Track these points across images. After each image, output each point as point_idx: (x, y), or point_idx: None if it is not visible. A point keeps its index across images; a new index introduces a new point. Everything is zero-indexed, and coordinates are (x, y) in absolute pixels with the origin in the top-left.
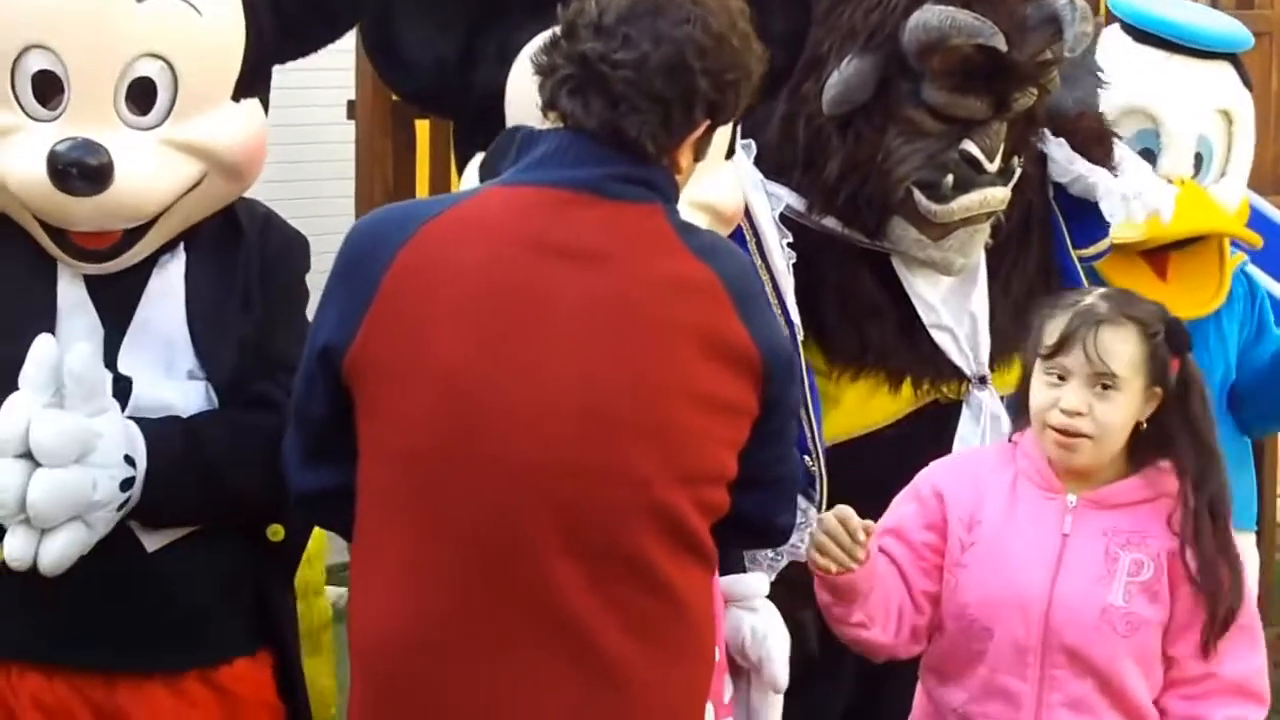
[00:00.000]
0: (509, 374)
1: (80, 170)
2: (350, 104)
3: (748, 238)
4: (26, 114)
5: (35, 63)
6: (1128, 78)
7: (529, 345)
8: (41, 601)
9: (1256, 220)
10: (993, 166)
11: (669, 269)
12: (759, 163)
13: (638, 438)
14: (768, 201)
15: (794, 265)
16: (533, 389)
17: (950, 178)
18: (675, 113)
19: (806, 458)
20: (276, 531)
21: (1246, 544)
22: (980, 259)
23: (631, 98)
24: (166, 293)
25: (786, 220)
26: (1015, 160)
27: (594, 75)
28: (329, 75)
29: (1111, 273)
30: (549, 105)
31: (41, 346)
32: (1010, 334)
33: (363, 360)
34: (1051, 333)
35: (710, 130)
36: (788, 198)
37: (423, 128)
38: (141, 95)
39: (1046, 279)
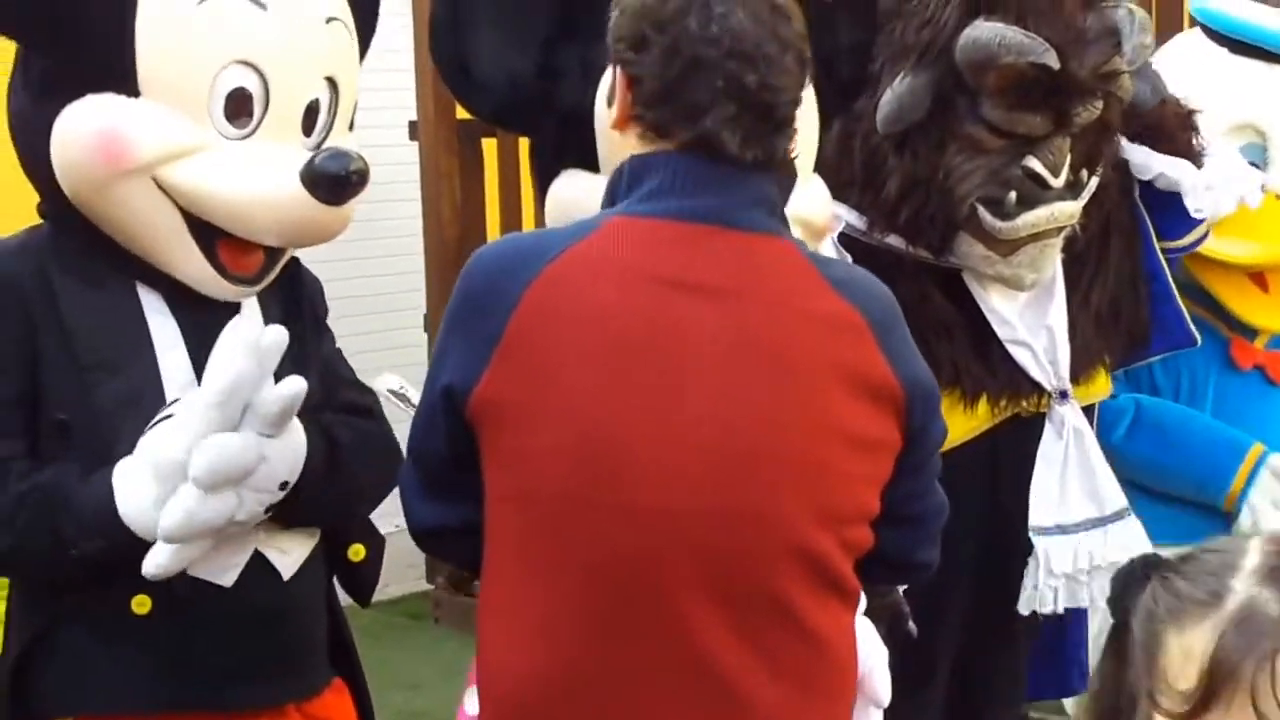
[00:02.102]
0: (645, 416)
1: (357, 176)
2: (411, 124)
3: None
4: (218, 131)
5: (233, 80)
6: (1229, 91)
7: (666, 386)
8: (171, 645)
9: None
10: (1059, 181)
11: (809, 305)
12: None
13: (781, 479)
14: None
15: None
16: (671, 431)
17: (1014, 194)
18: (778, 116)
19: None
20: (358, 551)
21: None
22: (1057, 272)
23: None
24: (244, 321)
25: (849, 240)
26: (1085, 173)
27: (702, 85)
28: (389, 95)
29: (1211, 281)
30: (643, 122)
31: (224, 373)
32: (1093, 346)
33: (489, 403)
34: (1184, 662)
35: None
36: (848, 216)
37: (489, 145)
38: (310, 116)
39: (1133, 287)
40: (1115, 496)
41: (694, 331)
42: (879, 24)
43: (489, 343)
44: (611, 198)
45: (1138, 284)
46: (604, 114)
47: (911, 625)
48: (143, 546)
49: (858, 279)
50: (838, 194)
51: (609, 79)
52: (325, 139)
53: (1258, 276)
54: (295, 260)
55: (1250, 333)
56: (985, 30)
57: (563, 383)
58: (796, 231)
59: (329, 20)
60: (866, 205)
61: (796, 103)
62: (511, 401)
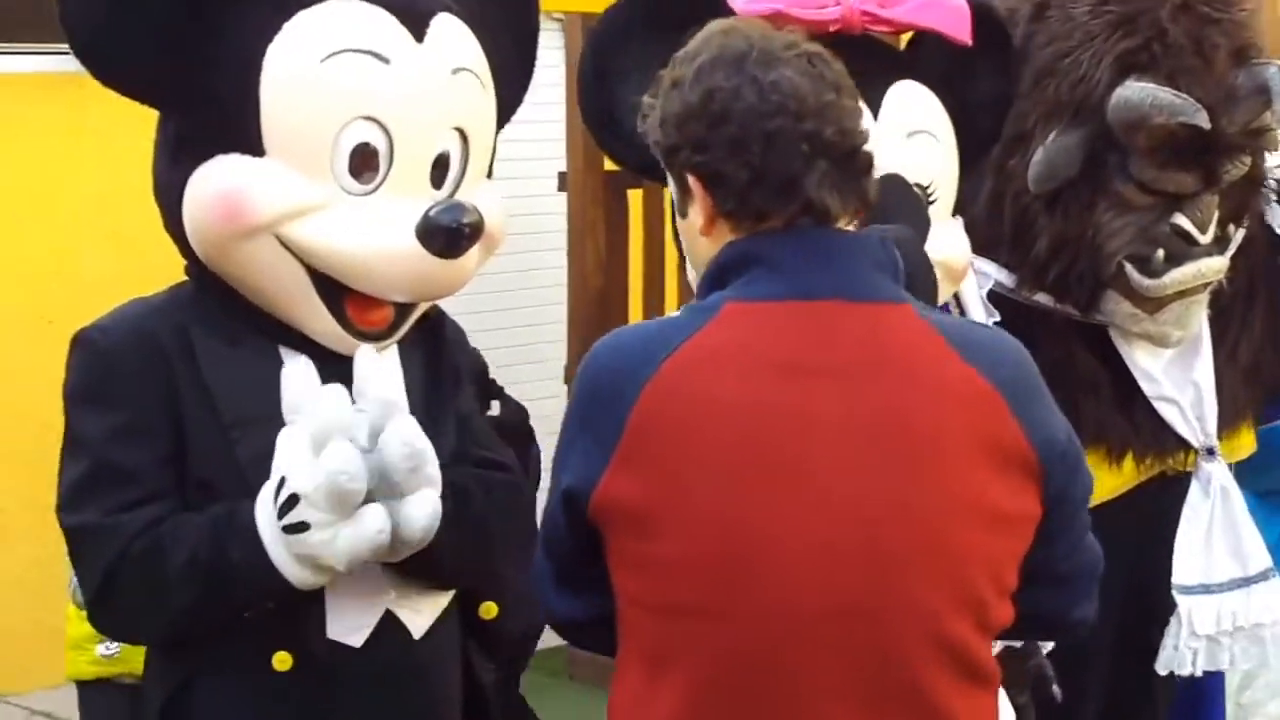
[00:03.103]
0: (773, 516)
1: (470, 229)
2: (561, 175)
3: (954, 314)
4: (342, 188)
5: (356, 136)
6: None
7: (795, 481)
8: (308, 702)
9: None
10: (1206, 238)
11: (936, 376)
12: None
13: (921, 569)
14: (975, 279)
15: None
16: (802, 529)
17: (1161, 252)
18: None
19: None
20: (489, 609)
21: None
22: (1203, 327)
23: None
24: (383, 374)
25: (996, 297)
26: (1232, 228)
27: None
28: (540, 146)
29: None
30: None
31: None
32: (1239, 402)
33: (610, 506)
34: None
35: None
36: (996, 274)
37: (635, 197)
38: (439, 169)
39: (1276, 342)
40: (1260, 555)
41: (819, 418)
42: (1030, 80)
43: (609, 443)
44: (708, 290)
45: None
46: (684, 226)
47: (1056, 689)
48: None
49: (983, 340)
50: (987, 251)
51: (672, 191)
52: (456, 191)
53: None
54: (439, 312)
55: None
56: (1137, 90)
57: (686, 486)
58: (938, 274)
59: (456, 71)
60: (1016, 263)
61: (867, 137)
62: (634, 505)
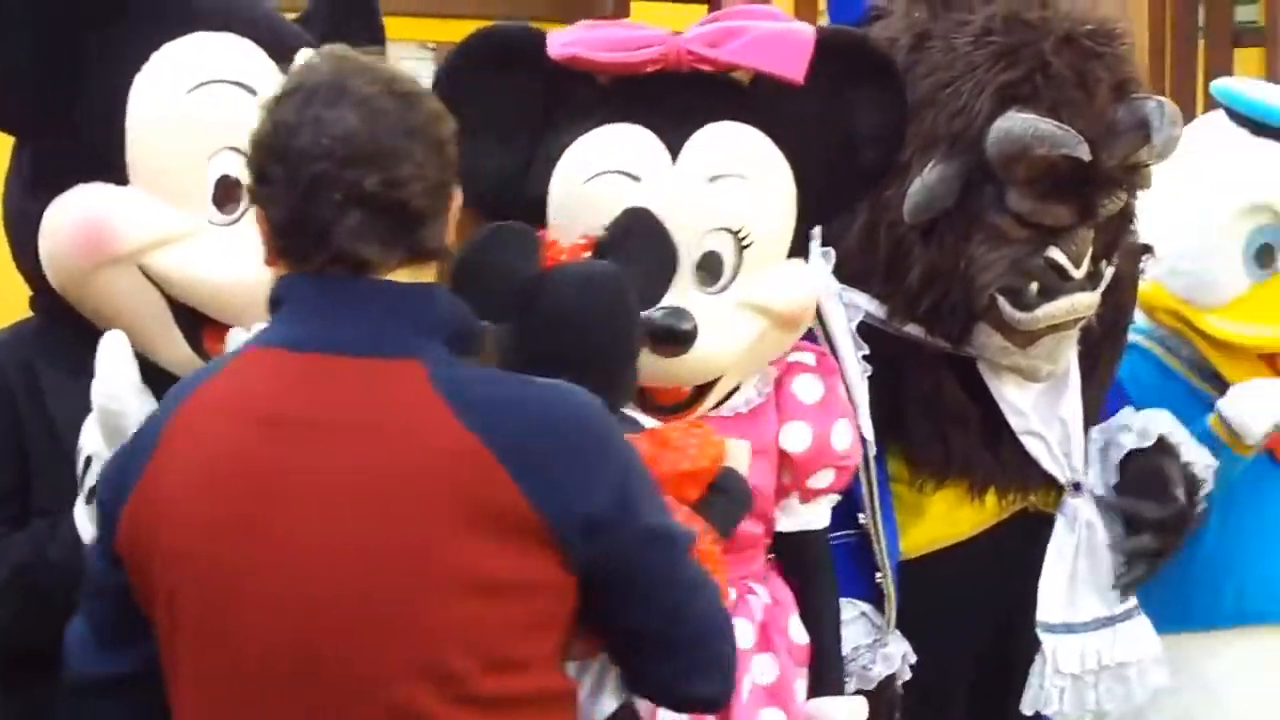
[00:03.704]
0: (243, 573)
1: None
2: None
3: (822, 348)
4: (206, 218)
5: (221, 167)
6: (1249, 172)
7: (263, 538)
8: None
9: None
10: (1080, 272)
11: (423, 438)
12: (838, 270)
13: (378, 636)
14: (844, 312)
15: (877, 374)
16: (267, 588)
17: (1035, 285)
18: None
19: (877, 574)
20: None
21: None
22: (1071, 363)
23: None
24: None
25: (867, 329)
26: (1104, 264)
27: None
28: None
29: (1220, 363)
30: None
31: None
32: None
33: (123, 541)
34: None
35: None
36: (868, 305)
37: None
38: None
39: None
40: (1124, 598)
41: (293, 475)
42: (909, 113)
43: (132, 478)
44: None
45: None
46: (553, 200)
47: (897, 715)
48: None
49: (501, 401)
50: (859, 283)
51: None
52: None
53: (1269, 358)
54: None
55: None
56: (1019, 121)
57: (166, 536)
58: (759, 320)
59: None
60: (888, 294)
61: (438, 189)
62: (135, 542)
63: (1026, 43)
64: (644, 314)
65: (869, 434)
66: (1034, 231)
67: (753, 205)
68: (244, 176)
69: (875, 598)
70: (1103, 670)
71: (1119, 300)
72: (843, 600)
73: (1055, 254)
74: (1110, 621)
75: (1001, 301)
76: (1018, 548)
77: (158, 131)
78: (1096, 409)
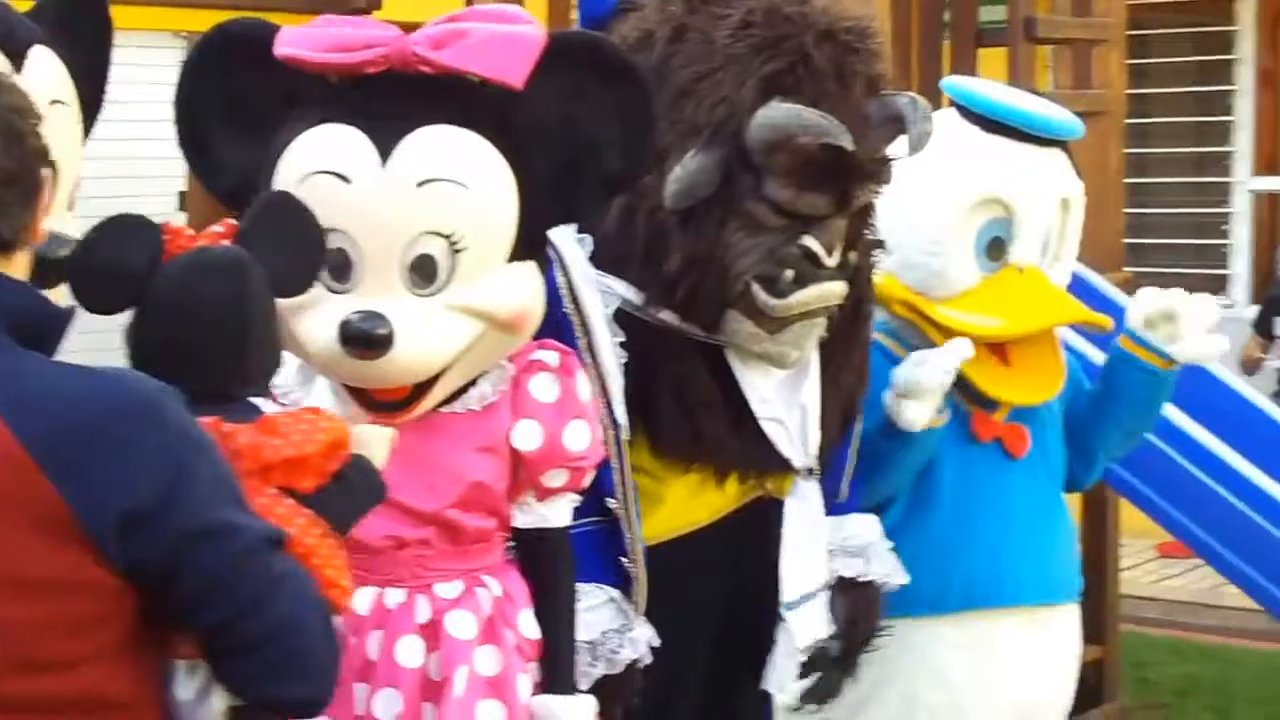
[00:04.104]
0: None
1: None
2: (181, 194)
3: (578, 334)
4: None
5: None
6: (979, 166)
7: None
8: None
9: (1077, 286)
10: (832, 261)
11: None
12: (595, 256)
13: None
14: (600, 299)
15: (630, 361)
16: None
17: (790, 273)
18: None
19: (624, 559)
20: None
21: (1069, 617)
22: (812, 352)
23: None
24: None
25: (624, 315)
26: (852, 254)
27: None
28: (161, 165)
29: None
30: None
31: None
32: (831, 425)
33: None
34: None
35: None
36: (624, 291)
37: None
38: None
39: (864, 373)
40: (825, 571)
41: None
42: (668, 100)
43: None
44: None
45: (868, 371)
46: None
47: (635, 698)
48: None
49: (46, 395)
50: (616, 269)
51: None
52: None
53: (998, 349)
54: None
55: (991, 405)
56: (783, 111)
57: None
58: (474, 323)
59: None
60: (645, 281)
61: (12, 180)
62: None
63: (787, 36)
64: (342, 319)
65: (623, 419)
66: (790, 220)
67: (466, 210)
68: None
69: (623, 583)
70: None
71: (857, 292)
72: (591, 586)
73: (810, 242)
74: (812, 596)
75: (756, 288)
76: (750, 532)
77: None
78: (846, 401)
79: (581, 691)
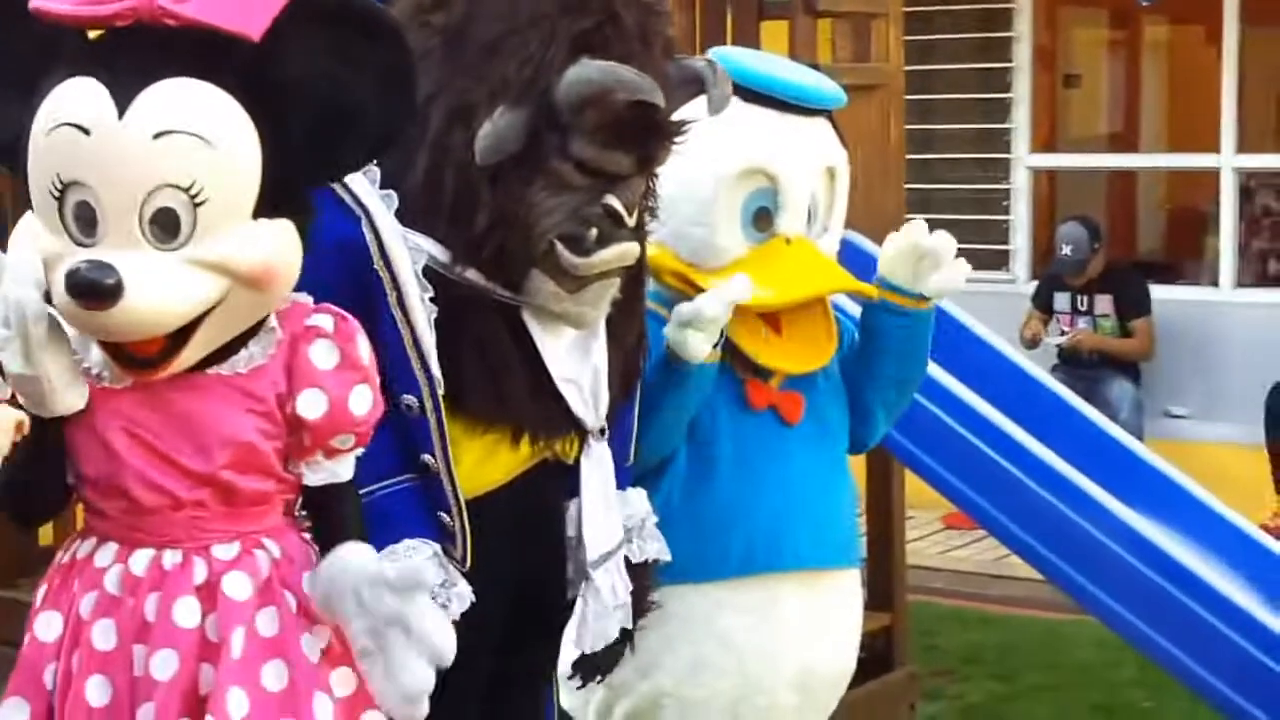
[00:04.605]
0: None
1: (91, 288)
2: None
3: (388, 291)
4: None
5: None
6: (742, 137)
7: None
8: None
9: (857, 255)
10: (632, 221)
11: None
12: (401, 214)
13: None
14: (409, 254)
15: (435, 320)
16: None
17: (594, 231)
18: None
19: (444, 514)
20: None
21: (850, 581)
22: None
23: None
24: None
25: (432, 273)
26: (645, 215)
27: None
28: None
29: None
30: None
31: None
32: (616, 391)
33: None
34: None
35: None
36: (431, 248)
37: None
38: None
39: (642, 337)
40: (620, 530)
41: None
42: (473, 57)
43: None
44: None
45: (645, 335)
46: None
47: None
48: None
49: None
50: (423, 226)
51: None
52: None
53: (770, 318)
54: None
55: (765, 374)
56: (597, 68)
57: None
58: (217, 278)
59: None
60: (452, 238)
61: None
62: None
63: None
64: (70, 267)
65: (438, 375)
66: (594, 179)
67: (205, 163)
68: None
69: (442, 539)
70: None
71: (638, 259)
72: (415, 542)
73: (613, 201)
74: (610, 555)
75: (560, 248)
76: (538, 495)
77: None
78: (627, 364)
79: None
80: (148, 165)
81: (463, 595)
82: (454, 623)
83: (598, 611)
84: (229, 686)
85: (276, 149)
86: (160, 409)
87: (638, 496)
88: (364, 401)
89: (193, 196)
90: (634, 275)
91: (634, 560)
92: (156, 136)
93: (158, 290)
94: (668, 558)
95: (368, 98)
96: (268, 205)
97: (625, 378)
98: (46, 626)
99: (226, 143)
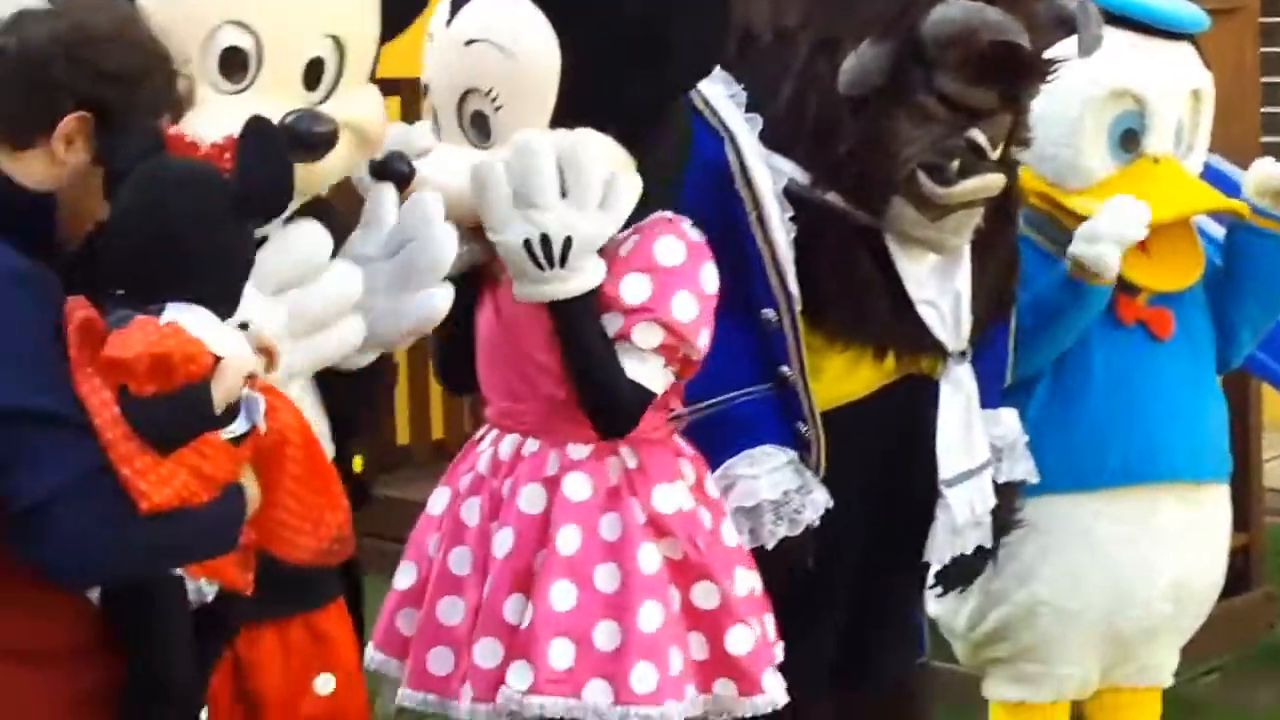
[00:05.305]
0: None
1: (318, 139)
2: None
3: (749, 210)
4: (213, 87)
5: (227, 39)
6: (1109, 60)
7: None
8: None
9: (1213, 177)
10: (995, 155)
11: None
12: (764, 136)
13: None
14: (770, 175)
15: (796, 238)
16: None
17: (956, 163)
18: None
19: (801, 424)
20: (358, 463)
21: (1221, 497)
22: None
23: None
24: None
25: (789, 193)
26: (1012, 149)
27: None
28: None
29: None
30: None
31: None
32: (981, 314)
33: None
34: None
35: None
36: (792, 171)
37: None
38: (314, 72)
39: (1014, 265)
40: (985, 448)
41: None
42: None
43: None
44: None
45: (1017, 263)
46: None
47: (810, 559)
48: None
49: None
50: (785, 149)
51: None
52: (330, 95)
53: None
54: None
55: (1132, 290)
56: (960, 8)
57: None
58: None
59: None
60: (813, 163)
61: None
62: None
63: None
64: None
65: (795, 291)
66: (958, 114)
67: (506, 73)
68: (250, 48)
69: (798, 446)
70: (973, 518)
71: (1006, 190)
72: (772, 448)
73: (976, 135)
74: (972, 474)
75: (922, 176)
76: (905, 408)
77: (163, 6)
78: (996, 289)
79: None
80: (459, 69)
81: (817, 502)
82: (814, 529)
83: (948, 527)
84: (556, 579)
85: (580, 65)
86: (521, 310)
87: (1009, 416)
88: (687, 308)
89: (492, 100)
90: (1001, 203)
91: (999, 480)
92: (467, 44)
93: None
94: (1035, 479)
95: (686, 40)
96: (568, 116)
97: (996, 301)
98: (436, 501)
99: (527, 57)
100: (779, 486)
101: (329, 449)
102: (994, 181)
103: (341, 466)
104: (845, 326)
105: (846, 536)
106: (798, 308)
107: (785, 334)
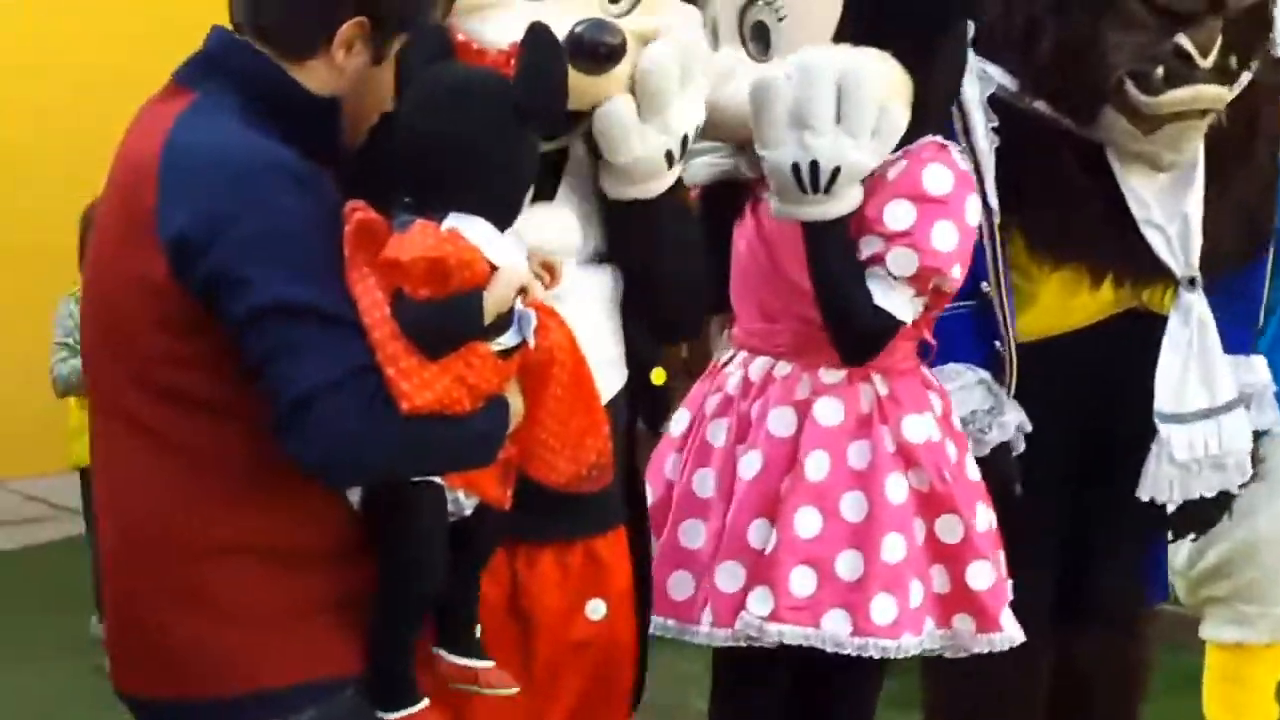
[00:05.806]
0: None
1: (606, 50)
2: None
3: (955, 118)
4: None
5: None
6: None
7: None
8: None
9: None
10: (1206, 63)
11: (140, 146)
12: (976, 43)
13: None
14: (978, 84)
15: (1001, 147)
16: None
17: (1161, 70)
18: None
19: (997, 342)
20: (660, 374)
21: None
22: (1198, 160)
23: None
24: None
25: (997, 102)
26: (1234, 60)
27: None
28: None
29: None
30: None
31: None
32: (1223, 241)
33: None
34: None
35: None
36: (1001, 78)
37: None
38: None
39: (1269, 193)
40: (1228, 386)
41: None
42: None
43: None
44: None
45: (1273, 191)
46: None
47: (1018, 486)
48: None
49: (201, 110)
50: (995, 57)
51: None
52: (632, 9)
53: None
54: None
55: None
56: None
57: None
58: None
59: None
60: (1021, 68)
61: None
62: None
63: None
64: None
65: (995, 203)
66: (1164, 18)
67: None
68: None
69: (993, 366)
70: (1207, 458)
71: (1252, 109)
72: (961, 366)
73: (1183, 41)
74: (1212, 413)
75: (1128, 84)
76: (1125, 344)
77: None
78: (1244, 220)
79: None
80: None
81: (1006, 425)
82: (1017, 455)
83: (1164, 462)
84: (801, 505)
85: None
86: (784, 229)
87: (1260, 364)
88: (947, 238)
89: (775, 10)
90: (1246, 127)
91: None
92: None
93: None
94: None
95: None
96: (853, 30)
97: (1246, 229)
98: (676, 422)
99: None
100: (966, 405)
101: (619, 374)
102: (1207, 93)
103: (640, 379)
104: (1051, 243)
105: (1053, 469)
106: (997, 220)
107: (984, 247)
